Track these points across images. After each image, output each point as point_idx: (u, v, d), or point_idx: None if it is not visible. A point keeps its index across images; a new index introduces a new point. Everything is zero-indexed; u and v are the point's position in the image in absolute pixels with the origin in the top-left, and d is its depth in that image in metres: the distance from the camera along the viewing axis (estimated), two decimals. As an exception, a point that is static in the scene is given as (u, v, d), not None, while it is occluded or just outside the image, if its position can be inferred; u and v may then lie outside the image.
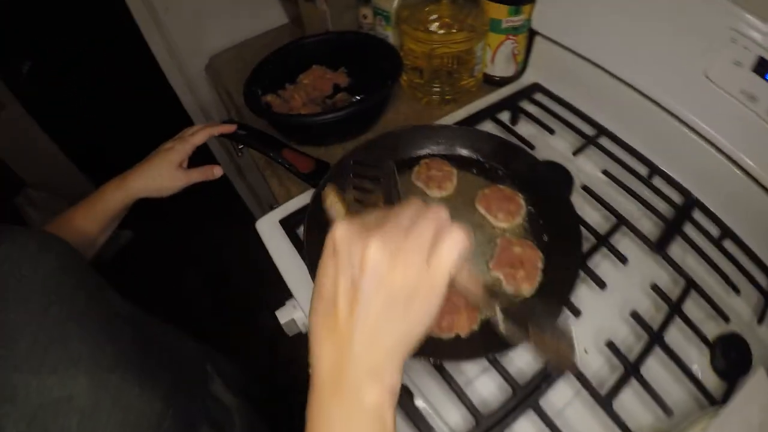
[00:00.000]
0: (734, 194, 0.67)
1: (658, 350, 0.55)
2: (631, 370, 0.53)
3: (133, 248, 1.84)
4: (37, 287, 0.40)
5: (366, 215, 0.33)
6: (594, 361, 0.56)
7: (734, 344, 0.58)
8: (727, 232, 0.67)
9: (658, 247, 0.63)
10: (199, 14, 1.06)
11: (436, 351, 0.52)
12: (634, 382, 0.52)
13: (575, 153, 0.74)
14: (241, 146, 0.76)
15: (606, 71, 0.75)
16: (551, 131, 0.77)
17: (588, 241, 0.62)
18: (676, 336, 0.58)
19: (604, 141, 0.76)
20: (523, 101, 0.83)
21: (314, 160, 0.68)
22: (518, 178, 0.68)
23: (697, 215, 0.68)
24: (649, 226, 0.68)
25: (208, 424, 0.50)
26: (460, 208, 0.65)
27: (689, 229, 0.66)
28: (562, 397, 0.54)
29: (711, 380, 0.55)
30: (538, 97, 0.84)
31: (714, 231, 0.67)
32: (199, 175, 0.69)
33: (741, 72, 0.59)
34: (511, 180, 0.68)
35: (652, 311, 0.60)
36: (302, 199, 0.71)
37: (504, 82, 0.90)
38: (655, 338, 0.55)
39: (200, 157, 0.72)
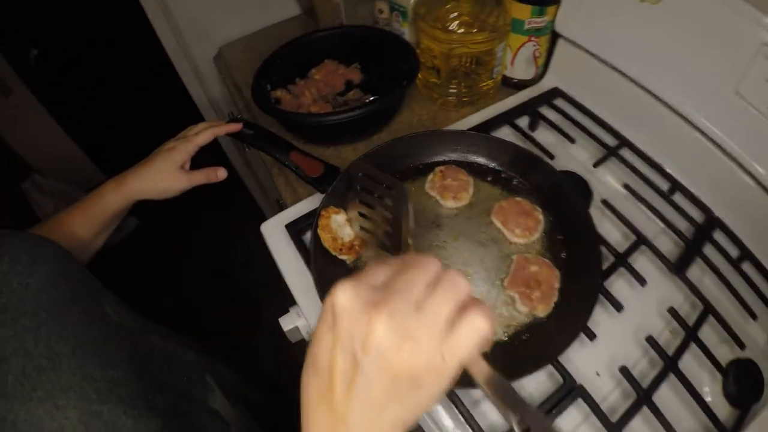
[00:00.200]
0: (757, 215, 0.64)
1: (671, 376, 0.53)
2: (643, 397, 0.51)
3: (137, 236, 1.83)
4: (28, 304, 0.38)
5: (371, 272, 0.29)
6: (605, 385, 0.55)
7: (747, 370, 0.56)
8: (746, 254, 0.65)
9: (677, 269, 0.61)
10: (208, 2, 1.03)
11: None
12: (645, 410, 0.51)
13: (596, 164, 0.72)
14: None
15: (630, 79, 0.72)
16: (572, 140, 0.75)
17: (606, 259, 0.60)
18: (690, 361, 0.56)
19: (626, 153, 0.73)
20: (543, 107, 0.80)
21: (323, 164, 0.65)
22: (537, 190, 0.66)
23: (717, 235, 0.66)
24: (668, 244, 0.66)
25: None
26: (475, 220, 0.63)
27: (708, 250, 0.64)
28: (571, 421, 0.52)
29: (721, 406, 0.54)
30: (559, 102, 0.81)
31: (733, 252, 0.64)
32: (201, 177, 0.66)
33: (773, 89, 0.56)
34: (529, 192, 0.66)
35: (668, 335, 0.58)
36: (309, 203, 0.68)
37: (523, 85, 0.87)
38: (670, 365, 0.53)
39: (207, 145, 0.69)
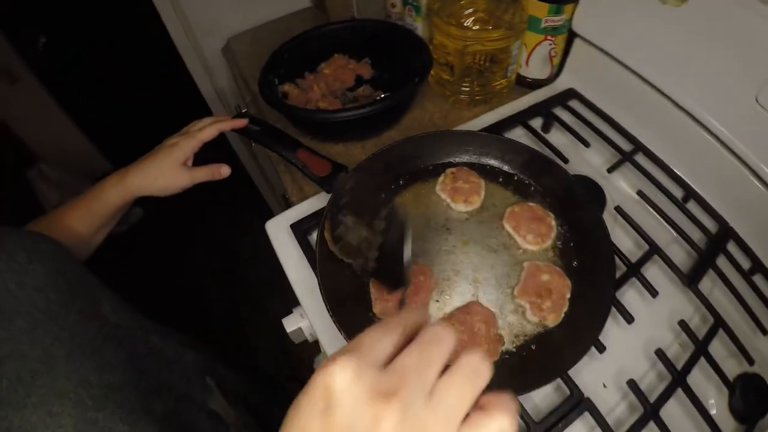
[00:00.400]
0: (771, 227, 0.63)
1: (679, 391, 0.52)
2: (650, 412, 0.50)
3: (142, 227, 1.82)
4: (24, 305, 0.37)
5: (373, 342, 0.24)
6: (611, 398, 0.54)
7: (754, 385, 0.55)
8: (759, 266, 0.63)
9: (690, 280, 0.59)
10: (216, -8, 1.01)
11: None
12: (651, 424, 0.50)
13: (610, 170, 0.70)
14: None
15: (648, 82, 0.70)
16: (586, 143, 0.73)
17: (618, 268, 0.59)
18: (697, 375, 0.55)
19: (640, 158, 0.72)
20: (557, 108, 0.78)
21: (331, 163, 0.64)
22: (550, 195, 0.64)
23: (731, 246, 0.64)
24: (680, 254, 0.65)
25: None
26: (486, 225, 0.61)
27: (721, 261, 0.62)
28: (576, 434, 0.51)
29: (726, 420, 0.53)
30: (574, 104, 0.79)
31: (745, 264, 0.63)
32: (204, 174, 0.65)
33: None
34: (542, 196, 0.64)
35: (677, 348, 0.57)
36: (316, 203, 0.67)
37: (537, 84, 0.85)
38: (679, 380, 0.52)
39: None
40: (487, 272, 0.57)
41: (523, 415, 0.49)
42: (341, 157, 0.74)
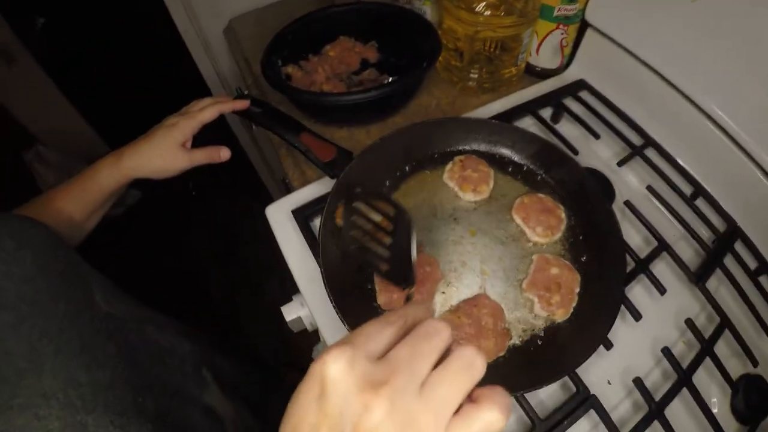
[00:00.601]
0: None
1: (684, 390, 0.51)
2: (655, 411, 0.49)
3: (139, 209, 1.79)
4: (9, 296, 0.35)
5: (369, 335, 0.25)
6: (615, 395, 0.53)
7: (756, 387, 0.54)
8: (765, 267, 0.62)
9: (698, 278, 0.59)
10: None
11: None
12: (656, 424, 0.49)
13: (620, 163, 0.69)
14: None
15: (660, 76, 0.68)
16: (596, 136, 0.71)
17: (627, 265, 0.58)
18: (701, 374, 0.54)
19: (651, 153, 0.70)
20: (567, 98, 0.77)
21: (336, 147, 0.61)
22: (560, 187, 0.62)
23: (738, 245, 0.63)
24: (688, 252, 0.64)
25: None
26: (495, 215, 0.60)
27: (728, 260, 0.61)
28: (579, 431, 0.50)
29: (727, 420, 0.52)
30: (584, 95, 0.77)
31: (752, 264, 0.62)
32: (203, 156, 0.62)
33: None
34: (552, 188, 0.63)
35: (681, 346, 0.57)
36: (318, 188, 0.65)
37: (547, 74, 0.83)
38: (684, 380, 0.51)
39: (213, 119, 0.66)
40: (494, 264, 0.56)
41: (529, 411, 0.48)
42: (345, 141, 0.72)
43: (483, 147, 0.66)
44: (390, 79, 0.80)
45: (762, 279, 0.61)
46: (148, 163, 0.59)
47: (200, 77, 1.22)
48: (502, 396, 0.23)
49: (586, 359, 0.47)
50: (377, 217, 0.44)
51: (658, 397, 0.50)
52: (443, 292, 0.54)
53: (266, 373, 0.75)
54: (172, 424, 0.43)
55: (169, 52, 1.34)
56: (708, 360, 0.53)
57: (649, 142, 0.71)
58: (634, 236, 0.64)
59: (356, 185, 0.59)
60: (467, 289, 0.54)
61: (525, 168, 0.65)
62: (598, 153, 0.73)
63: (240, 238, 1.79)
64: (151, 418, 0.40)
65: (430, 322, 0.25)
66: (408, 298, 0.40)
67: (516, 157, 0.65)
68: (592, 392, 0.50)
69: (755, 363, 0.55)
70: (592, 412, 0.49)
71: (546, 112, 0.75)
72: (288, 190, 0.82)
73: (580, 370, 0.50)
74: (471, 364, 0.24)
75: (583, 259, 0.57)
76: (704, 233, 0.63)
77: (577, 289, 0.53)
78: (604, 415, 0.48)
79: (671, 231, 0.65)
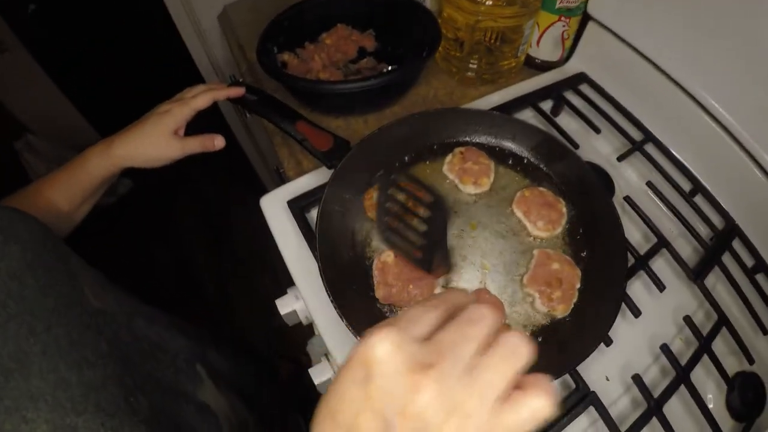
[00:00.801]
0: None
1: (682, 387, 0.51)
2: (654, 408, 0.49)
3: (131, 198, 1.75)
4: None
5: (412, 318, 0.24)
6: (614, 391, 0.53)
7: (752, 384, 0.55)
8: (762, 265, 0.62)
9: (696, 275, 0.58)
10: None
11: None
12: (654, 421, 0.49)
13: (620, 158, 0.68)
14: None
15: (662, 71, 0.68)
16: (597, 130, 0.70)
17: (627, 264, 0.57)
18: (698, 371, 0.54)
19: (650, 149, 0.70)
20: (568, 91, 0.76)
21: (333, 137, 0.60)
22: (561, 181, 0.62)
23: (736, 244, 0.63)
24: (686, 249, 0.64)
25: None
26: (495, 209, 0.59)
27: (726, 258, 0.61)
28: (577, 427, 0.50)
29: (722, 417, 0.52)
30: (584, 89, 0.76)
31: (749, 262, 0.62)
32: (196, 145, 0.60)
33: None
34: (553, 181, 0.62)
35: (679, 343, 0.57)
36: (315, 178, 0.63)
37: (546, 66, 0.82)
38: (683, 377, 0.51)
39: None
40: (495, 258, 0.55)
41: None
42: (342, 131, 0.70)
43: (483, 139, 0.65)
44: (390, 68, 0.78)
45: (759, 277, 0.61)
46: (140, 151, 0.57)
47: (193, 65, 1.20)
48: (547, 383, 0.23)
49: (588, 357, 0.46)
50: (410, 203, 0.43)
51: (656, 393, 0.50)
52: (443, 287, 0.53)
53: (260, 365, 0.73)
54: (166, 423, 0.41)
55: (161, 40, 1.31)
56: (705, 357, 0.53)
57: (649, 137, 0.71)
58: (633, 232, 0.63)
59: (354, 176, 0.58)
60: (467, 283, 0.53)
61: (526, 161, 0.64)
62: (598, 148, 0.72)
63: (232, 229, 1.76)
64: (144, 418, 0.38)
65: (476, 307, 0.25)
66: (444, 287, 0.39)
67: (517, 150, 0.64)
68: (591, 389, 0.49)
69: (751, 361, 0.55)
70: (591, 408, 0.48)
71: (546, 105, 0.74)
72: (282, 179, 0.80)
73: (580, 367, 0.49)
74: (516, 351, 0.23)
75: (584, 254, 0.56)
76: (702, 230, 0.63)
77: (578, 285, 0.52)
78: (603, 412, 0.48)
79: (670, 227, 0.64)
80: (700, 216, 0.64)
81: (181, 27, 1.09)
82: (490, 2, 0.71)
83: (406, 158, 0.63)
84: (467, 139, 0.65)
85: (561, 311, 0.51)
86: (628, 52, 0.72)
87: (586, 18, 0.77)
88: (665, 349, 0.53)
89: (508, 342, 0.23)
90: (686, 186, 0.67)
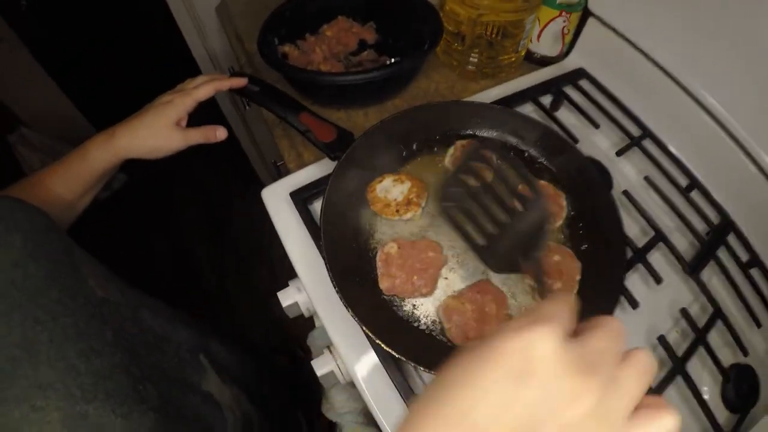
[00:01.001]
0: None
1: (678, 378, 0.52)
2: (651, 400, 0.50)
3: (126, 193, 1.74)
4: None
5: (559, 311, 0.23)
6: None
7: (747, 377, 0.56)
8: (756, 261, 0.63)
9: (692, 269, 0.59)
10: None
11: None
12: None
13: (618, 153, 0.69)
14: (250, 102, 0.67)
15: (661, 68, 0.69)
16: (596, 125, 0.71)
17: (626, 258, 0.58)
18: (694, 362, 0.55)
19: (648, 144, 0.70)
20: (567, 86, 0.76)
21: (336, 128, 0.60)
22: (562, 175, 0.62)
23: (731, 239, 0.64)
24: (683, 243, 0.65)
25: None
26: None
27: (721, 253, 0.62)
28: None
29: (717, 409, 0.53)
30: (584, 84, 0.77)
31: (744, 257, 0.63)
32: (199, 136, 0.60)
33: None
34: (553, 175, 0.62)
35: (675, 335, 0.57)
36: (317, 170, 0.63)
37: (546, 61, 0.83)
38: (679, 368, 0.52)
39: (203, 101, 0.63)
40: (497, 250, 0.55)
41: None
42: (343, 123, 0.70)
43: (485, 132, 0.65)
44: (393, 60, 0.78)
45: (753, 272, 0.62)
46: (142, 142, 0.56)
47: (191, 57, 1.19)
48: (671, 405, 0.23)
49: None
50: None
51: (653, 384, 0.51)
52: (446, 278, 0.53)
53: (260, 361, 0.73)
54: (174, 412, 0.41)
55: (158, 32, 1.30)
56: (701, 349, 0.54)
57: (647, 133, 0.71)
58: (631, 226, 0.64)
59: (357, 167, 0.58)
60: (470, 275, 0.53)
61: (526, 154, 0.64)
62: (596, 142, 0.73)
63: (229, 223, 1.76)
64: (153, 407, 0.38)
65: (611, 319, 0.24)
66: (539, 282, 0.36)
67: (518, 143, 0.65)
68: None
69: (746, 353, 0.56)
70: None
71: (546, 100, 0.75)
72: (279, 173, 0.80)
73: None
74: (649, 368, 0.23)
75: (583, 247, 0.57)
76: (698, 225, 0.64)
77: (578, 277, 0.53)
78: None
79: (667, 222, 0.65)
80: (696, 211, 0.65)
81: (179, 18, 1.08)
82: (492, -4, 0.72)
83: (409, 150, 0.63)
84: (469, 131, 0.65)
85: (562, 303, 0.51)
86: (628, 48, 0.72)
87: (586, 14, 0.77)
88: (662, 340, 0.54)
89: (641, 359, 0.23)
90: (683, 181, 0.68)
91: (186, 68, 1.04)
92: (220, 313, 1.44)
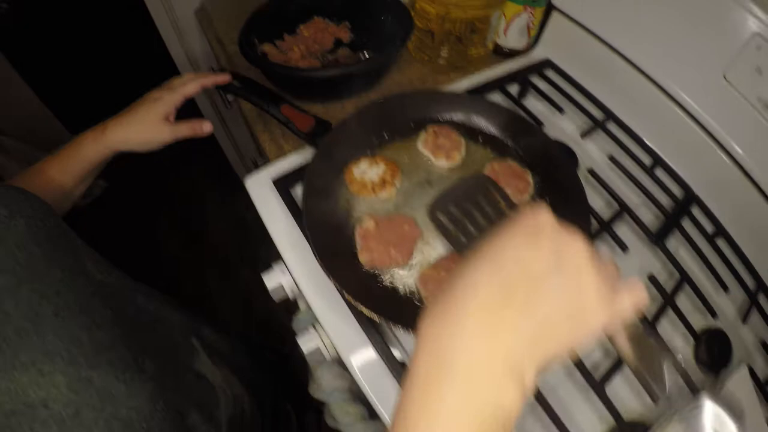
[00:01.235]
0: (734, 195, 0.67)
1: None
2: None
3: (106, 198, 1.74)
4: (5, 262, 0.35)
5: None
6: (585, 346, 0.56)
7: (718, 339, 0.59)
8: (721, 231, 0.67)
9: (657, 238, 0.63)
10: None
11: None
12: (625, 369, 0.52)
13: (583, 135, 0.73)
14: (231, 98, 0.70)
15: (621, 55, 0.73)
16: (560, 110, 0.75)
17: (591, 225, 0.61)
18: (665, 326, 0.58)
19: (611, 126, 0.74)
20: (534, 76, 0.80)
21: (314, 118, 0.63)
22: (528, 155, 0.66)
23: (695, 210, 0.68)
24: (648, 216, 0.68)
25: (196, 410, 0.46)
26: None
27: (686, 224, 0.66)
28: (555, 376, 0.53)
29: (692, 370, 0.56)
30: (549, 73, 0.81)
31: (709, 228, 0.67)
32: (187, 129, 0.63)
33: (761, 80, 0.58)
34: (519, 155, 0.66)
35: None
36: (298, 158, 0.66)
37: (514, 54, 0.87)
38: (650, 331, 0.55)
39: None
40: (468, 224, 0.58)
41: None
42: (321, 115, 0.72)
43: (455, 117, 0.69)
44: (368, 56, 0.82)
45: (719, 242, 0.66)
46: (134, 135, 0.59)
47: (169, 60, 1.20)
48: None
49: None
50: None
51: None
52: (422, 251, 0.56)
53: (251, 350, 0.75)
54: (170, 385, 0.43)
55: (138, 36, 1.31)
56: (671, 313, 0.57)
57: (610, 116, 0.76)
58: (597, 201, 0.67)
59: (335, 152, 0.61)
60: (444, 247, 0.56)
61: (494, 137, 0.68)
62: (562, 126, 0.76)
63: (208, 224, 1.76)
64: (151, 377, 0.40)
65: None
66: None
67: (486, 127, 0.68)
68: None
69: (714, 315, 0.59)
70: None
71: (513, 89, 0.78)
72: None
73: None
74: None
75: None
76: (664, 200, 0.67)
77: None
78: (579, 362, 0.51)
79: (632, 198, 0.69)
80: (661, 187, 0.68)
81: (158, 22, 1.10)
82: (459, -7, 0.76)
83: (385, 135, 0.66)
84: (440, 117, 0.68)
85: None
86: (590, 39, 0.76)
87: (550, 8, 0.82)
88: (631, 304, 0.57)
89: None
90: (646, 160, 0.72)
91: (165, 71, 1.06)
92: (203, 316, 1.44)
